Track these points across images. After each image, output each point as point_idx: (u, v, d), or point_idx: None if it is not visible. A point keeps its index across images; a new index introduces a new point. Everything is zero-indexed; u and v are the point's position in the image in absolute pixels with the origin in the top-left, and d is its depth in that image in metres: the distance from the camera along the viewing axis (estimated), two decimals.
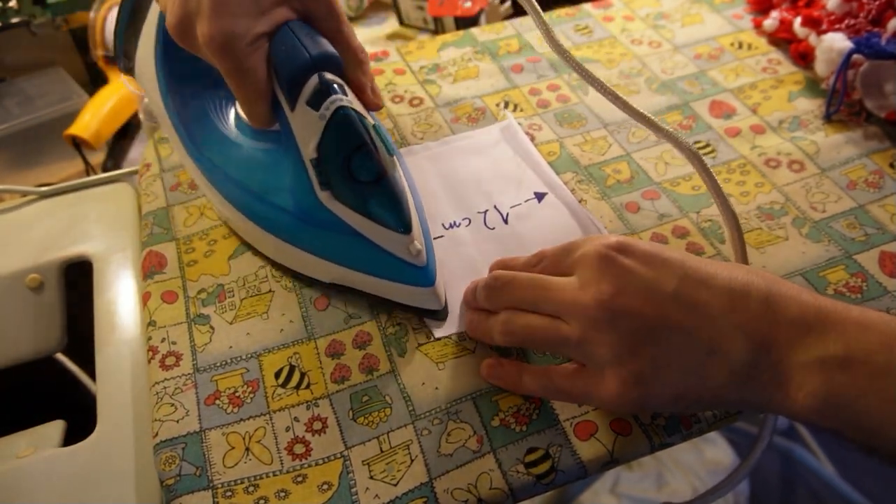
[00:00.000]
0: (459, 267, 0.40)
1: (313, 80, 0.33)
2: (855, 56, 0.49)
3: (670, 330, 0.29)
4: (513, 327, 0.33)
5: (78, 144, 0.66)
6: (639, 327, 0.29)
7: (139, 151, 0.75)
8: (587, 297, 0.30)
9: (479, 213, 0.44)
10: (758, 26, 0.59)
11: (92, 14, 0.68)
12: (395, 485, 0.32)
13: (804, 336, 0.27)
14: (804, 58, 0.55)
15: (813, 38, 0.54)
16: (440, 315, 0.37)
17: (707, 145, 0.49)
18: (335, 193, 0.35)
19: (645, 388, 0.29)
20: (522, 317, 0.33)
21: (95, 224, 0.48)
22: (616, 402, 0.30)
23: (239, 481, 0.32)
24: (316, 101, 0.33)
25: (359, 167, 0.33)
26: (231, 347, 0.37)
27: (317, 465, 0.33)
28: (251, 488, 0.32)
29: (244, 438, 0.34)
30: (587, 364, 0.31)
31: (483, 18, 0.79)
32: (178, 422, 0.34)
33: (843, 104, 0.50)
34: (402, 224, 0.34)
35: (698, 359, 0.29)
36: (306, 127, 0.34)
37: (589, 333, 0.30)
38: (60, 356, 0.52)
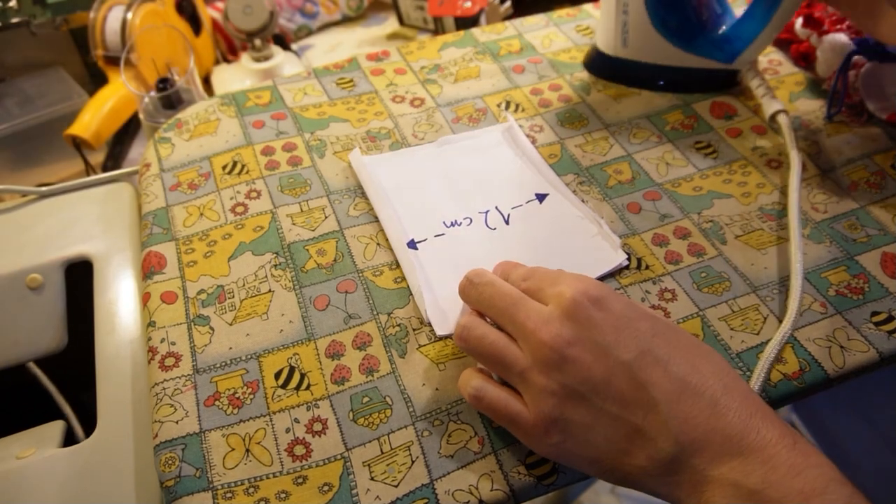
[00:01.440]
0: (460, 266, 0.40)
1: None
2: (856, 57, 0.49)
3: (609, 397, 0.29)
4: (469, 334, 0.33)
5: (78, 144, 0.66)
6: (581, 381, 0.29)
7: (139, 151, 0.75)
8: (546, 334, 0.30)
9: (480, 213, 0.44)
10: None
11: (92, 14, 0.68)
12: (396, 486, 0.32)
13: (732, 456, 0.27)
14: (805, 58, 0.55)
15: (814, 39, 0.54)
16: None
17: (708, 145, 0.49)
18: None
19: (564, 438, 0.29)
20: (482, 327, 0.32)
21: (95, 224, 0.48)
22: (534, 440, 0.30)
23: (239, 483, 0.32)
24: None
25: None
26: (231, 348, 0.37)
27: (317, 466, 0.33)
28: (251, 490, 0.32)
29: (244, 440, 0.33)
30: (523, 395, 0.31)
31: (483, 18, 0.79)
32: (177, 423, 0.34)
33: (844, 105, 0.50)
34: None
35: (625, 434, 0.28)
36: None
37: (535, 367, 0.30)
38: (32, 365, 0.52)
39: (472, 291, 0.34)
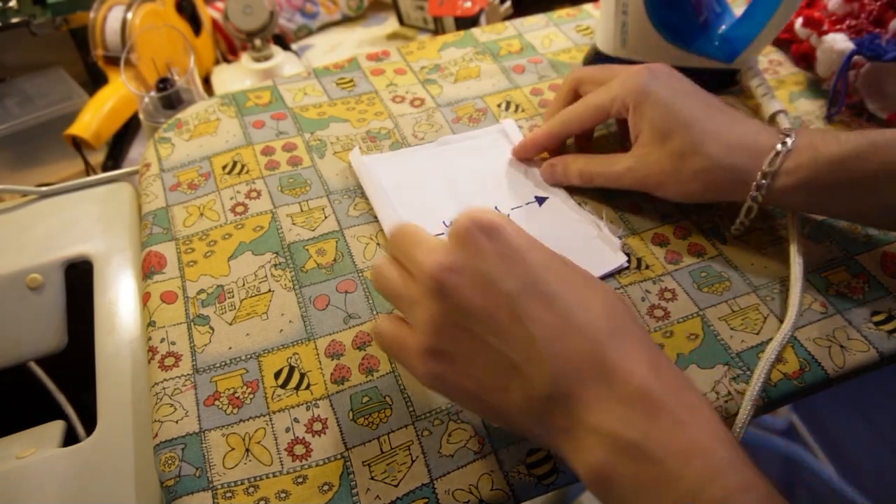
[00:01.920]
0: None
1: None
2: (856, 57, 0.49)
3: (490, 329, 0.27)
4: (377, 272, 0.32)
5: (78, 144, 0.66)
6: (461, 311, 0.28)
7: (139, 151, 0.75)
8: (431, 263, 0.28)
9: None
10: None
11: (92, 14, 0.68)
12: (396, 485, 0.32)
13: (613, 403, 0.25)
14: (805, 59, 0.55)
15: (814, 39, 0.54)
16: None
17: None
18: None
19: (445, 369, 0.29)
20: (388, 267, 0.31)
21: (95, 224, 0.48)
22: (419, 371, 0.29)
23: (239, 482, 0.32)
24: None
25: None
26: (230, 348, 0.37)
27: (317, 465, 0.33)
28: (251, 489, 0.32)
29: (244, 439, 0.33)
30: (412, 325, 0.30)
31: (483, 18, 0.79)
32: (177, 422, 0.34)
33: (844, 105, 0.50)
34: None
35: (503, 369, 0.27)
36: None
37: (421, 297, 0.29)
38: (33, 365, 0.52)
39: (390, 238, 0.32)
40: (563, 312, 0.27)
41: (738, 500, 0.23)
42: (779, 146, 0.36)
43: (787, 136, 0.36)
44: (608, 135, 0.50)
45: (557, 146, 0.46)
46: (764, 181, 0.36)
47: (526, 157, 0.47)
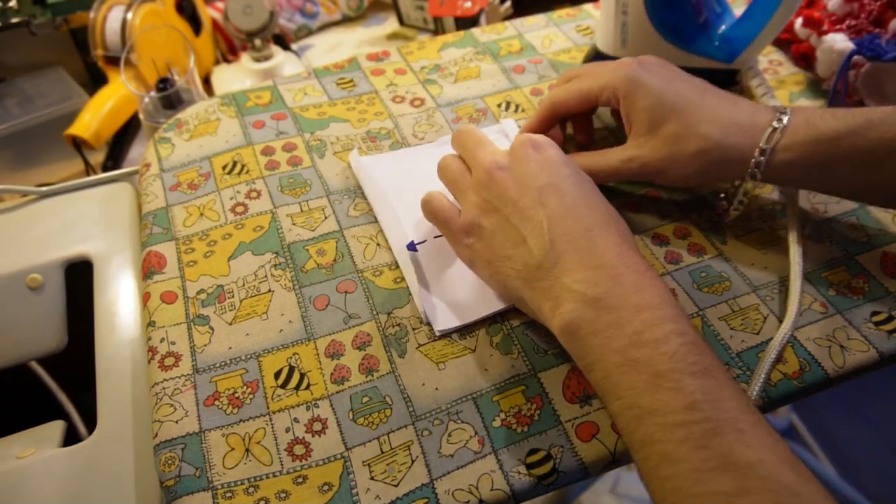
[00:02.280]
0: (459, 267, 0.40)
1: None
2: (856, 57, 0.49)
3: (514, 210, 0.34)
4: (441, 163, 0.41)
5: (78, 144, 0.66)
6: (498, 196, 0.35)
7: (139, 151, 0.75)
8: (487, 161, 0.37)
9: None
10: None
11: (92, 14, 0.68)
12: (396, 485, 0.32)
13: (586, 269, 0.31)
14: (805, 58, 0.55)
15: (814, 39, 0.54)
16: None
17: None
18: None
19: (475, 240, 0.36)
20: (451, 159, 0.40)
21: (95, 224, 0.48)
22: (457, 241, 0.37)
23: (239, 482, 0.32)
24: None
25: None
26: (230, 348, 0.37)
27: (317, 465, 0.33)
28: (251, 489, 0.32)
29: (244, 439, 0.33)
30: (461, 206, 0.38)
31: (483, 18, 0.79)
32: (177, 422, 0.34)
33: (844, 105, 0.50)
34: None
35: (513, 242, 0.34)
36: None
37: (473, 186, 0.37)
38: (35, 365, 0.52)
39: (456, 136, 0.41)
40: (571, 204, 0.34)
41: (673, 341, 0.28)
42: (775, 123, 0.37)
43: (783, 113, 0.37)
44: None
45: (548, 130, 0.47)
46: (762, 158, 0.37)
47: None
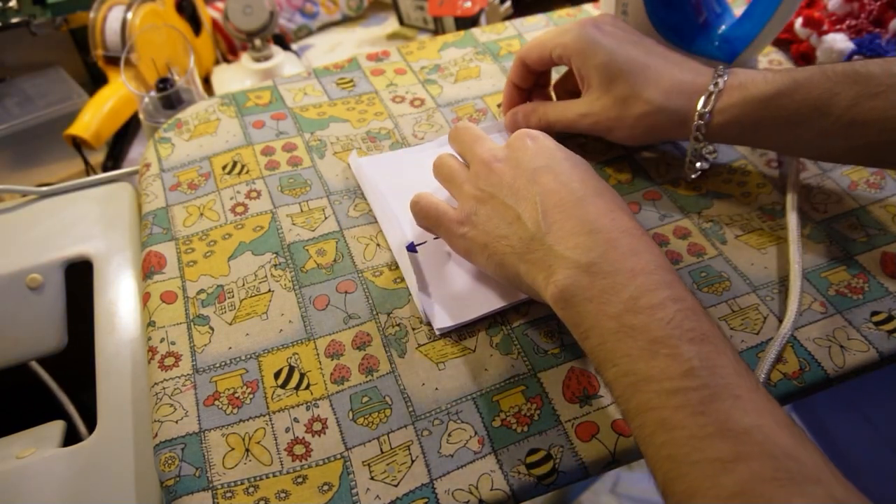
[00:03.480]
0: (459, 268, 0.40)
1: None
2: (856, 57, 0.49)
3: (510, 193, 0.34)
4: (437, 160, 0.41)
5: (78, 144, 0.66)
6: (495, 184, 0.35)
7: (139, 151, 0.75)
8: (485, 153, 0.37)
9: None
10: None
11: (92, 14, 0.68)
12: (396, 485, 0.32)
13: (577, 236, 0.31)
14: (805, 58, 0.55)
15: (814, 39, 0.54)
16: None
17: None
18: None
19: (470, 229, 0.36)
20: (448, 157, 0.40)
21: (95, 224, 0.48)
22: (451, 234, 0.37)
23: (239, 482, 0.32)
24: None
25: None
26: (230, 348, 0.37)
27: (317, 465, 0.33)
28: (251, 489, 0.32)
29: (244, 439, 0.33)
30: (457, 199, 0.38)
31: (483, 18, 0.79)
32: (177, 422, 0.34)
33: None
34: None
35: (509, 221, 0.34)
36: None
37: (469, 179, 0.37)
38: (35, 365, 0.52)
39: (454, 132, 0.41)
40: (565, 180, 0.34)
41: (669, 307, 0.28)
42: (711, 87, 0.39)
43: (721, 76, 0.39)
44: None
45: (521, 94, 0.48)
46: (701, 121, 0.40)
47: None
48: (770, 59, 0.57)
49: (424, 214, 0.39)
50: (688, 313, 0.28)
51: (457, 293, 0.39)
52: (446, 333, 0.37)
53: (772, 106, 0.38)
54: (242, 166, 0.47)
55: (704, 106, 0.39)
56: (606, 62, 0.41)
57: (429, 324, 0.38)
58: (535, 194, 0.33)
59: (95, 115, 0.67)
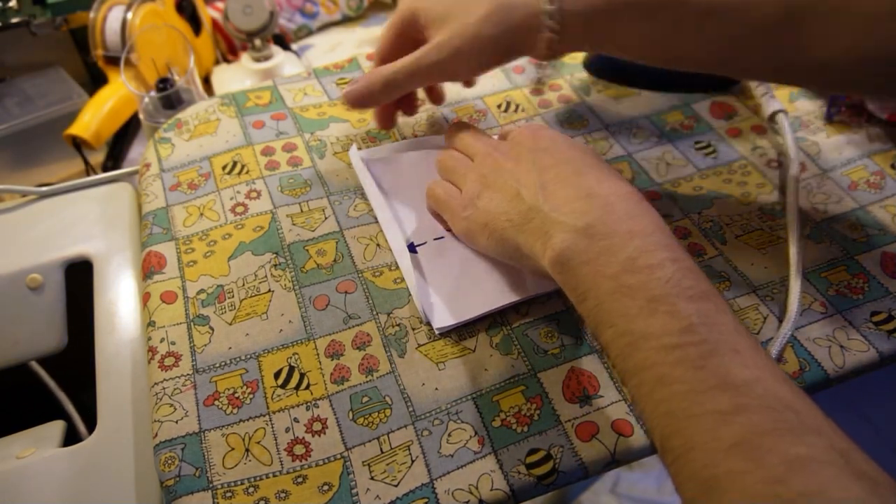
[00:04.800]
0: (460, 269, 0.40)
1: None
2: None
3: (512, 175, 0.35)
4: (440, 158, 0.42)
5: (78, 144, 0.66)
6: (496, 169, 0.36)
7: (139, 151, 0.75)
8: (485, 147, 0.38)
9: None
10: None
11: (92, 14, 0.68)
12: (396, 485, 0.32)
13: (574, 201, 0.31)
14: None
15: None
16: None
17: (708, 145, 0.49)
18: None
19: (473, 211, 0.36)
20: (449, 154, 0.41)
21: (95, 224, 0.48)
22: (455, 215, 0.38)
23: (239, 482, 0.32)
24: None
25: None
26: (230, 348, 0.37)
27: (317, 465, 0.33)
28: (251, 489, 0.32)
29: (244, 439, 0.33)
30: (462, 188, 0.39)
31: None
32: (177, 422, 0.34)
33: (844, 105, 0.50)
34: None
35: (510, 198, 0.34)
36: None
37: (473, 168, 0.38)
38: (35, 365, 0.52)
39: (453, 129, 0.43)
40: (563, 157, 0.34)
41: (668, 267, 0.28)
42: None
43: None
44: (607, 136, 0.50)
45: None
46: (551, 20, 0.36)
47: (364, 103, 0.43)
48: None
49: (436, 199, 0.40)
50: (686, 273, 0.28)
51: (456, 293, 0.39)
52: (446, 333, 0.37)
53: None
54: (242, 166, 0.47)
55: (550, 3, 0.35)
56: (433, 4, 0.39)
57: (428, 323, 0.38)
58: (534, 172, 0.34)
59: (95, 115, 0.67)
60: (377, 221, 0.43)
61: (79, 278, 0.46)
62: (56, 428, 0.43)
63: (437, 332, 0.37)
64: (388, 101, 0.43)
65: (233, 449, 0.33)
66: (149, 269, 0.41)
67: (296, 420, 0.34)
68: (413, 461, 0.33)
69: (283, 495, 0.31)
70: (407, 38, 0.42)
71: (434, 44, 0.39)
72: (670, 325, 0.26)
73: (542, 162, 0.34)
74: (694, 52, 0.36)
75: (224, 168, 0.47)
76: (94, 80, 0.79)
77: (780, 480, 0.22)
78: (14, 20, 0.71)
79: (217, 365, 0.36)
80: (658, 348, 0.26)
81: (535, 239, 0.32)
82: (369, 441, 0.33)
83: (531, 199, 0.33)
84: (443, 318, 0.37)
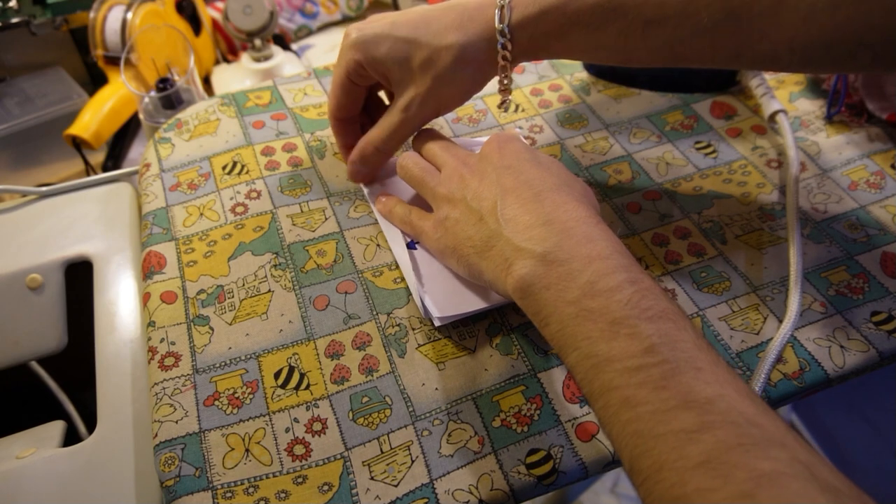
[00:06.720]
0: None
1: None
2: None
3: (476, 197, 0.35)
4: (406, 161, 0.41)
5: (78, 144, 0.66)
6: (463, 188, 0.36)
7: (139, 151, 0.75)
8: (455, 161, 0.38)
9: None
10: None
11: (92, 14, 0.68)
12: (396, 486, 0.32)
13: (532, 228, 0.32)
14: None
15: None
16: None
17: (708, 145, 0.49)
18: None
19: (443, 234, 0.37)
20: (414, 160, 0.41)
21: (95, 224, 0.48)
22: (429, 234, 0.39)
23: (239, 482, 0.32)
24: None
25: None
26: (230, 348, 0.37)
27: (317, 465, 0.33)
28: (251, 489, 0.32)
29: (244, 439, 0.33)
30: (431, 203, 0.39)
31: None
32: (177, 423, 0.34)
33: (844, 105, 0.50)
34: None
35: (473, 223, 0.35)
36: None
37: (441, 183, 0.38)
38: (35, 365, 0.52)
39: (418, 137, 0.43)
40: (525, 178, 0.34)
41: (626, 289, 0.28)
42: (499, 1, 0.37)
43: None
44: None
45: (351, 126, 0.45)
46: (504, 38, 0.38)
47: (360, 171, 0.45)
48: None
49: (409, 224, 0.41)
50: (645, 293, 0.28)
51: (456, 288, 0.39)
52: (446, 334, 0.37)
53: (569, 10, 0.36)
54: (242, 166, 0.47)
55: (500, 21, 0.37)
56: (393, 46, 0.39)
57: (428, 319, 0.38)
58: (496, 195, 0.34)
59: (95, 115, 0.67)
60: (377, 222, 0.43)
61: (79, 278, 0.46)
62: (56, 428, 0.43)
63: (436, 323, 0.37)
64: (385, 162, 0.45)
65: (233, 449, 0.33)
66: (149, 269, 0.41)
67: (296, 420, 0.34)
68: (413, 461, 0.33)
69: (283, 495, 0.31)
70: (359, 87, 0.42)
71: (414, 97, 0.40)
72: (632, 348, 0.27)
73: (504, 182, 0.35)
74: (643, 55, 0.37)
75: (224, 168, 0.47)
76: (94, 80, 0.79)
77: (748, 495, 0.22)
78: (14, 20, 0.71)
79: (217, 365, 0.36)
80: (621, 370, 0.27)
81: (497, 266, 0.33)
82: (369, 441, 0.33)
83: (493, 225, 0.34)
84: (443, 310, 0.37)
